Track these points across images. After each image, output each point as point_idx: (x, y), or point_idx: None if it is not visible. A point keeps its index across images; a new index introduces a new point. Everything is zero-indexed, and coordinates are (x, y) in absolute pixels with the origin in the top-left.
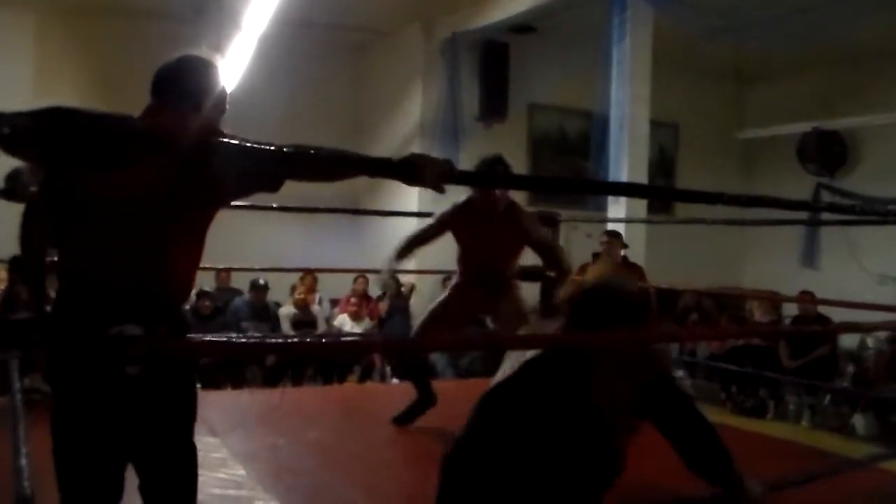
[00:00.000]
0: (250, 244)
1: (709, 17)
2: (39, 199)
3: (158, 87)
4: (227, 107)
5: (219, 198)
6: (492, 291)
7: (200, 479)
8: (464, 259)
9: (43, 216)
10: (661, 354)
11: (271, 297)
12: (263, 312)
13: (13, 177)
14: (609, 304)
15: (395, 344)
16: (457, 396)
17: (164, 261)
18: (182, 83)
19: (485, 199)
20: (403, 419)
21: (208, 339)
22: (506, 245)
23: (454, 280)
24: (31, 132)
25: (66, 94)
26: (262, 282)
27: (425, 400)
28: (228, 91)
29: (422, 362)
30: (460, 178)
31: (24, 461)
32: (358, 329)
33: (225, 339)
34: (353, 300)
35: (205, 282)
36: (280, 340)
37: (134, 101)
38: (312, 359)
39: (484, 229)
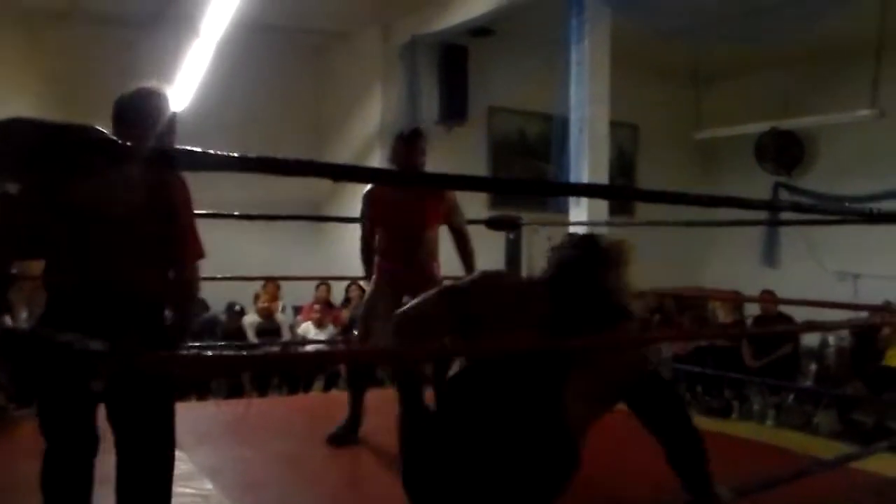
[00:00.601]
0: (211, 251)
1: (666, 18)
2: (5, 211)
3: (120, 116)
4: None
5: (176, 225)
6: (416, 272)
7: None
8: (384, 242)
9: (10, 229)
10: (645, 355)
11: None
12: (237, 335)
13: None
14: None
15: (381, 353)
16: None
17: (138, 272)
18: (140, 112)
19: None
20: (338, 439)
21: (175, 353)
22: (429, 215)
23: (376, 271)
24: None
25: (21, 103)
26: (238, 307)
27: (356, 417)
28: (190, 96)
29: (370, 373)
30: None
31: None
32: (322, 336)
33: (195, 353)
34: (316, 307)
35: None
36: (253, 354)
37: (92, 108)
38: (279, 369)
39: (405, 203)
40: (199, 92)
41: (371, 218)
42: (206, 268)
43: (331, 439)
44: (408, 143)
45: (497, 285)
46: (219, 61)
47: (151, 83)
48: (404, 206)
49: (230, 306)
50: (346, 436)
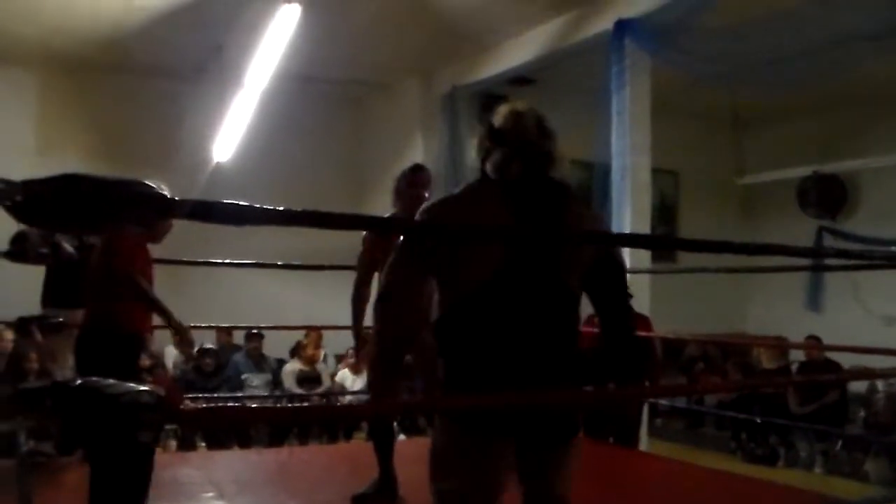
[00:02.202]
0: (252, 300)
1: (706, 65)
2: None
3: None
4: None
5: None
6: None
7: None
8: None
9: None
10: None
11: (273, 352)
12: (261, 363)
13: (20, 239)
14: None
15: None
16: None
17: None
18: None
19: (412, 208)
20: (364, 500)
21: (221, 405)
22: None
23: None
24: (45, 200)
25: (69, 152)
26: (255, 331)
27: (386, 481)
28: (233, 146)
29: (387, 425)
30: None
31: None
32: (359, 383)
33: (237, 405)
34: (351, 352)
35: (206, 339)
36: (291, 406)
37: (137, 158)
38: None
39: None
40: (242, 142)
41: (370, 262)
42: (244, 315)
43: (356, 500)
44: (414, 175)
45: (447, 214)
46: (262, 112)
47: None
48: None
49: (248, 333)
50: (376, 495)
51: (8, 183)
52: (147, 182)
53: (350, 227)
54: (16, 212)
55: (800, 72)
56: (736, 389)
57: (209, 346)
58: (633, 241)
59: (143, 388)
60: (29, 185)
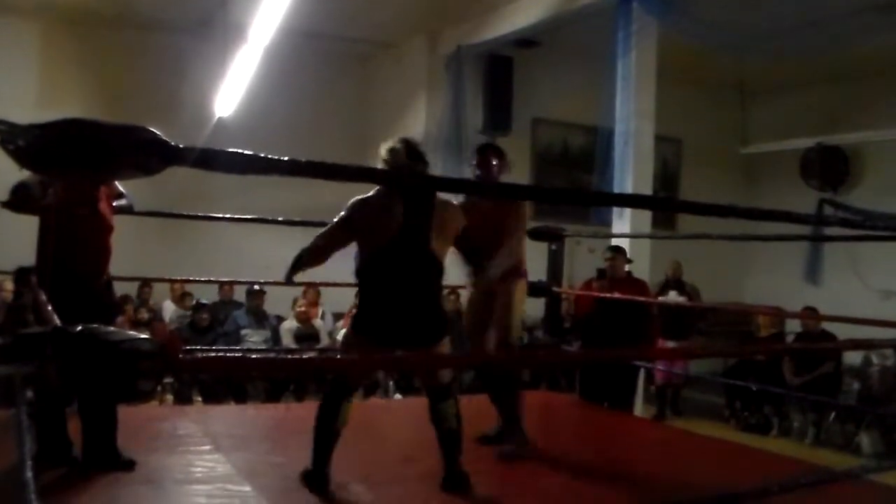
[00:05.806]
0: (251, 256)
1: (713, 32)
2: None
3: None
4: None
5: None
6: None
7: (205, 493)
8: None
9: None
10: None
11: (272, 309)
12: (262, 319)
13: (21, 188)
14: None
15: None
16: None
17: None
18: None
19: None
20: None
21: (218, 355)
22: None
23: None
24: (49, 145)
25: (70, 103)
26: (256, 287)
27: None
28: (236, 101)
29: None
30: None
31: (29, 474)
32: None
33: (235, 355)
34: (353, 312)
35: (205, 293)
36: (289, 357)
37: (138, 112)
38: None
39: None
40: (245, 97)
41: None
42: (244, 271)
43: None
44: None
45: (367, 203)
46: (266, 68)
47: None
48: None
49: (249, 290)
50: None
51: (11, 126)
52: (151, 128)
53: (354, 179)
54: (18, 156)
55: (807, 42)
56: (730, 355)
57: (204, 301)
58: (639, 201)
59: (143, 336)
60: (32, 129)
